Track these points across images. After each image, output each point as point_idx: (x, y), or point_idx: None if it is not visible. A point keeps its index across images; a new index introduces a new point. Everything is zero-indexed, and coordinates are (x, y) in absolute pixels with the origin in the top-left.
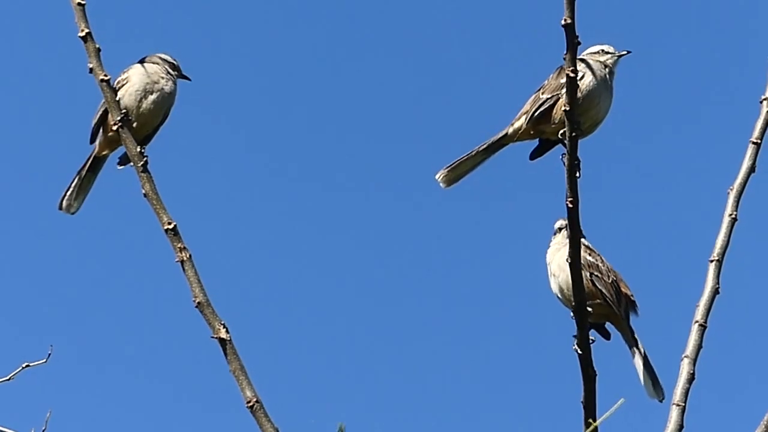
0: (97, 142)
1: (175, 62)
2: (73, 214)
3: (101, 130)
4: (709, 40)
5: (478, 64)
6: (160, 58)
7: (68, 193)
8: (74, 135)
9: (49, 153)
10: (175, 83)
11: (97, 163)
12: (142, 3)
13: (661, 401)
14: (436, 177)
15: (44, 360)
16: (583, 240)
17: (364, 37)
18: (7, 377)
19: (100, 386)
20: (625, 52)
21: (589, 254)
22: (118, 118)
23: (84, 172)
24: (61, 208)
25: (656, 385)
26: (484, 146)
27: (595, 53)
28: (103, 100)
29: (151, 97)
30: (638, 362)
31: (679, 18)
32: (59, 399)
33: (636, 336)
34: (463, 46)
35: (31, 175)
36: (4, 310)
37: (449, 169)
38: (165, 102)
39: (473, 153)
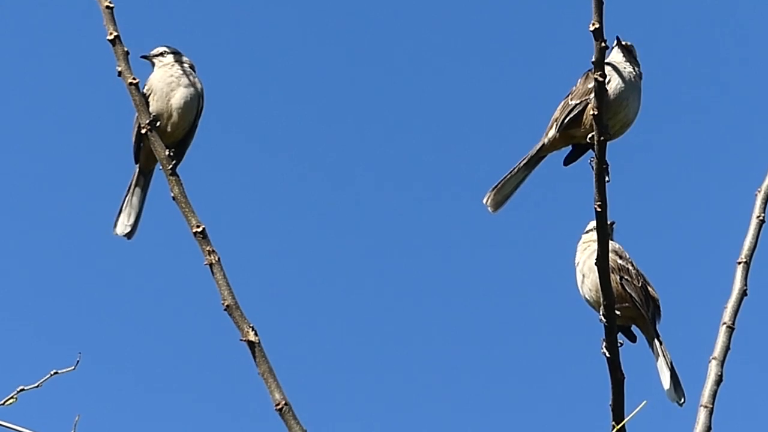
0: (140, 158)
1: (178, 53)
2: (129, 237)
3: (141, 145)
4: (738, 42)
5: (498, 67)
6: (171, 53)
7: (121, 216)
8: (101, 138)
9: (76, 155)
10: (194, 71)
11: (144, 178)
12: (169, 5)
13: (681, 405)
14: (483, 201)
15: (72, 367)
16: (613, 243)
17: (383, 40)
18: (36, 384)
19: (128, 390)
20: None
21: (619, 257)
22: (147, 121)
23: (132, 191)
24: (116, 233)
25: (678, 389)
26: (525, 161)
27: (619, 50)
28: (137, 115)
29: (177, 95)
30: (662, 365)
31: (709, 18)
32: (87, 403)
33: (661, 339)
34: (484, 48)
35: (55, 177)
36: (31, 315)
37: (495, 191)
38: (193, 96)
39: (515, 170)
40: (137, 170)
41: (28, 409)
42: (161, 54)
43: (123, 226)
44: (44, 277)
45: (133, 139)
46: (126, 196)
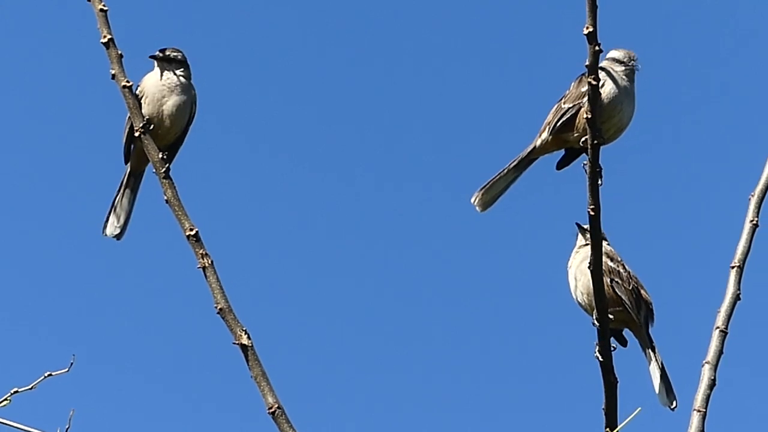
0: (130, 160)
1: (179, 55)
2: (119, 239)
3: (132, 147)
4: (731, 46)
5: (493, 70)
6: (167, 56)
7: (111, 217)
8: (94, 140)
9: (69, 157)
10: (189, 80)
11: (134, 180)
12: (164, 8)
13: (672, 409)
14: (472, 201)
15: (66, 369)
16: (605, 245)
17: (387, 35)
18: (29, 386)
19: (122, 392)
20: (635, 65)
21: (611, 260)
22: (141, 125)
23: (122, 192)
24: (105, 234)
25: (669, 393)
26: (515, 163)
27: (612, 60)
28: (128, 116)
29: (170, 102)
30: (654, 369)
31: (703, 21)
32: (81, 405)
33: (653, 343)
34: (478, 51)
35: (48, 178)
36: (25, 316)
37: (483, 191)
38: (186, 103)
39: (505, 171)
40: (128, 171)
41: (21, 410)
42: (163, 59)
43: (113, 227)
44: (39, 279)
45: (124, 140)
46: (116, 197)
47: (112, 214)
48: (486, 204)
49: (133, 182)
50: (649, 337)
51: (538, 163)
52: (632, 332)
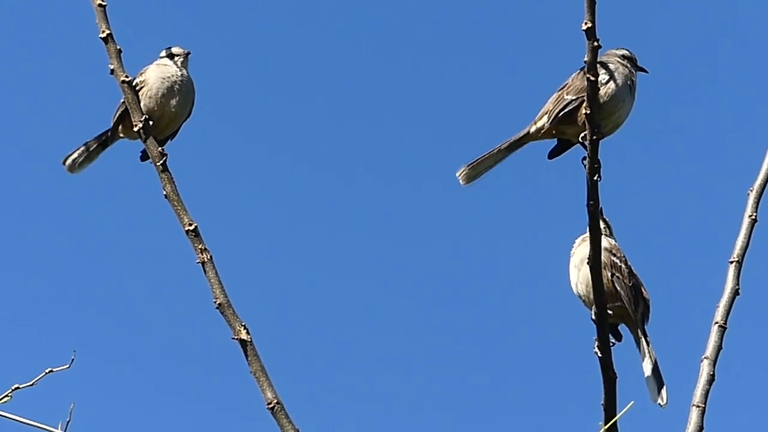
0: (119, 129)
1: (186, 53)
2: (72, 173)
3: (122, 126)
4: (731, 42)
5: (494, 61)
6: (172, 53)
7: (74, 155)
8: (93, 135)
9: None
10: (190, 78)
11: (111, 141)
12: (163, 3)
13: (662, 407)
14: (457, 174)
15: (67, 365)
16: (609, 240)
17: (384, 34)
18: (30, 383)
19: (121, 387)
20: (642, 70)
21: (613, 255)
22: (140, 121)
23: (94, 145)
24: (64, 164)
25: (660, 390)
26: (506, 144)
27: (622, 57)
28: (123, 99)
29: (173, 100)
30: (647, 365)
31: (702, 17)
32: (81, 400)
33: (648, 339)
34: (482, 44)
35: (46, 174)
36: (26, 313)
37: (470, 166)
38: (187, 100)
39: (494, 151)
40: (108, 134)
41: (23, 406)
42: (169, 55)
43: (71, 165)
44: (39, 275)
45: (113, 121)
46: (90, 142)
47: (77, 154)
48: (470, 179)
49: (108, 143)
50: (644, 333)
51: (538, 155)
52: (628, 328)
